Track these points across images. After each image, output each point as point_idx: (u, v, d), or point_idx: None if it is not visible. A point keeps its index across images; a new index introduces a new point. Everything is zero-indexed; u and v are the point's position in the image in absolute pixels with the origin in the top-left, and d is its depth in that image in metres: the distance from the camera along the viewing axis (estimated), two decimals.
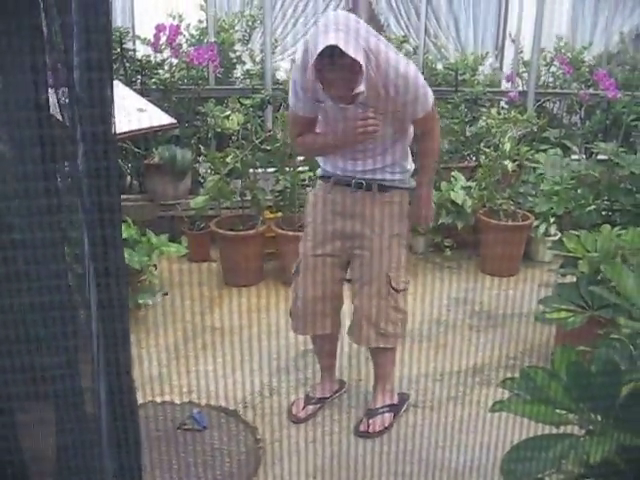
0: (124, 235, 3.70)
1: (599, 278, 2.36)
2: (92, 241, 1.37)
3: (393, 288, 2.73)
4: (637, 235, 2.52)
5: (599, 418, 1.16)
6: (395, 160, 2.70)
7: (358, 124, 2.44)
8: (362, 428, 2.88)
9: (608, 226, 2.73)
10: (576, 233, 2.76)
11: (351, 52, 2.22)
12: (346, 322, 2.92)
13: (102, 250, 1.38)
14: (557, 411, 1.19)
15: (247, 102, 4.46)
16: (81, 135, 1.30)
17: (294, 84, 2.57)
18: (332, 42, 2.21)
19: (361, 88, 2.32)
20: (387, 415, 2.92)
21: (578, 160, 4.19)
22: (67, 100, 1.32)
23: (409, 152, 2.79)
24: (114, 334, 1.44)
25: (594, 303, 2.23)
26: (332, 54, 2.21)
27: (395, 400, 2.99)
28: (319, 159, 2.88)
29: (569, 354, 1.24)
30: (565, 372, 1.21)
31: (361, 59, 2.25)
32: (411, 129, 2.72)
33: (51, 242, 1.36)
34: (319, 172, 2.89)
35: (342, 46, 2.20)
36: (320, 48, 2.22)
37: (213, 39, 5.26)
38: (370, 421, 2.88)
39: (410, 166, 2.80)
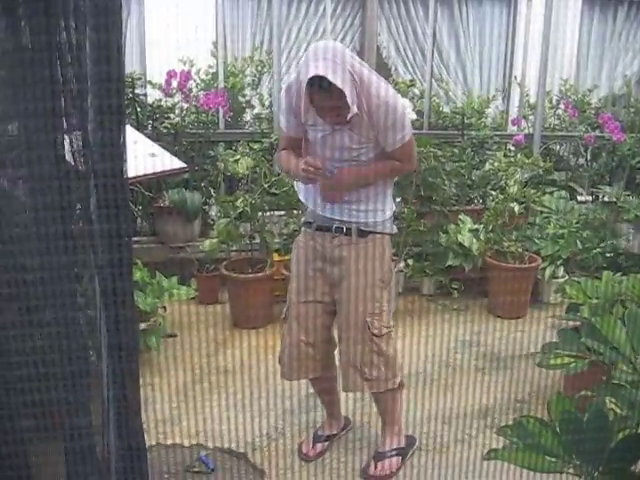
0: (134, 277, 3.74)
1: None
2: (104, 284, 1.42)
3: (373, 334, 2.70)
4: (638, 281, 2.54)
5: (589, 467, 1.17)
6: (375, 203, 2.71)
7: (306, 168, 2.53)
8: (371, 472, 2.88)
9: (610, 273, 2.75)
10: (578, 280, 2.77)
11: (338, 81, 2.32)
12: None
13: (113, 292, 1.42)
14: (549, 459, 1.21)
15: (256, 146, 4.53)
16: (94, 179, 1.35)
17: (280, 103, 2.72)
18: (320, 72, 2.31)
19: (354, 110, 2.39)
20: (395, 459, 2.92)
21: (584, 202, 4.22)
22: (80, 145, 1.36)
23: (390, 195, 2.78)
24: (123, 377, 1.47)
25: (595, 349, 2.24)
26: (320, 83, 2.32)
27: (403, 443, 2.98)
28: (307, 204, 2.87)
29: (564, 403, 1.26)
30: (558, 420, 1.23)
31: (347, 87, 2.34)
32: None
33: (64, 284, 1.40)
34: (303, 219, 2.95)
35: (329, 75, 2.31)
36: (308, 77, 2.33)
37: (223, 84, 5.37)
38: (379, 464, 2.88)
39: (390, 211, 2.78)
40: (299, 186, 2.90)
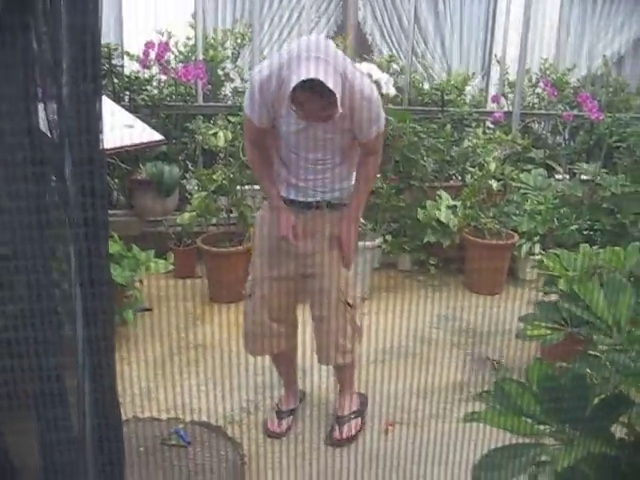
0: (110, 250, 3.70)
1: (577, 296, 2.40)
2: (79, 254, 1.39)
3: (348, 304, 2.77)
4: (614, 254, 2.57)
5: (568, 429, 1.19)
6: (342, 179, 2.73)
7: (288, 227, 2.66)
8: (337, 436, 2.95)
9: (587, 245, 2.78)
10: (556, 252, 2.80)
11: (330, 84, 2.23)
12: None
13: (88, 263, 1.39)
14: (528, 422, 1.22)
15: (234, 119, 4.48)
16: (69, 150, 1.32)
17: (252, 93, 2.51)
18: (312, 75, 2.20)
19: (339, 110, 2.34)
20: (354, 421, 3.02)
21: (561, 180, 4.24)
22: (56, 116, 1.33)
23: (354, 167, 2.80)
24: (99, 347, 1.45)
25: (572, 321, 2.26)
26: (311, 85, 2.22)
27: (359, 404, 3.10)
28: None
29: (543, 368, 1.27)
30: (537, 385, 1.24)
31: (338, 89, 2.27)
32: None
33: (38, 256, 1.37)
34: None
35: (322, 77, 2.21)
36: (300, 79, 2.21)
37: (202, 56, 5.30)
38: (343, 428, 2.97)
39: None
40: None
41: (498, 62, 6.38)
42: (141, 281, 3.88)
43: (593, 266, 2.51)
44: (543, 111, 6.42)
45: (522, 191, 4.10)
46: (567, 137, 6.35)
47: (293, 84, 2.23)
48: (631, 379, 1.16)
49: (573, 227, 3.33)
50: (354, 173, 2.79)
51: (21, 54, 1.25)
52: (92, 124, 1.34)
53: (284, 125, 2.56)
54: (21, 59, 1.26)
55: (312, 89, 2.24)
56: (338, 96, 2.27)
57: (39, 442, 1.41)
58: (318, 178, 2.68)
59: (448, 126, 5.28)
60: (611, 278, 1.61)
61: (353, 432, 2.99)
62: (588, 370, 1.28)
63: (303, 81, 2.21)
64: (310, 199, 2.72)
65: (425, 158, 4.81)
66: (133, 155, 4.85)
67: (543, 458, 1.16)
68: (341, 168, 2.70)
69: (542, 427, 1.20)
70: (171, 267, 3.98)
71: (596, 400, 1.19)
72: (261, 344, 2.86)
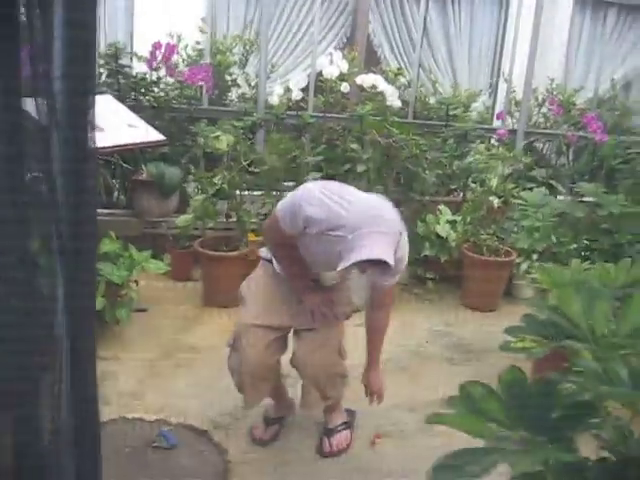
0: (106, 249, 3.70)
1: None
2: (63, 251, 1.38)
3: (340, 355, 2.81)
4: (604, 270, 2.57)
5: (531, 434, 1.18)
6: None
7: (319, 309, 2.66)
8: (326, 449, 2.93)
9: (578, 260, 2.77)
10: (548, 266, 2.80)
11: (391, 260, 2.16)
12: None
13: (73, 260, 1.38)
14: (492, 426, 1.21)
15: (238, 124, 4.49)
16: (58, 145, 1.31)
17: (294, 215, 2.39)
18: (382, 257, 2.13)
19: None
20: (344, 433, 3.01)
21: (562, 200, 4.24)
22: (46, 109, 1.32)
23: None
24: (79, 344, 1.44)
25: (558, 334, 2.23)
26: (373, 261, 2.16)
27: (346, 417, 3.08)
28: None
29: (515, 374, 1.26)
30: (506, 390, 1.23)
31: (392, 260, 2.19)
32: None
33: (21, 249, 1.36)
34: (264, 254, 2.84)
35: (386, 258, 2.14)
36: (368, 257, 2.14)
37: (209, 60, 5.32)
38: (332, 440, 2.96)
39: None
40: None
41: (505, 80, 6.39)
42: (137, 281, 3.88)
43: (582, 281, 2.50)
44: (548, 130, 6.42)
45: (520, 208, 4.09)
46: (571, 158, 6.34)
47: (357, 259, 2.15)
48: (604, 389, 1.16)
49: (571, 247, 3.33)
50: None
51: (9, 44, 1.25)
52: (82, 122, 1.32)
53: (316, 237, 2.45)
54: (8, 49, 1.25)
55: (371, 261, 2.17)
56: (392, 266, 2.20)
57: (11, 442, 1.39)
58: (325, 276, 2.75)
59: (451, 140, 5.28)
60: (587, 286, 1.61)
61: (344, 445, 2.97)
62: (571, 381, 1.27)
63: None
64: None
65: (427, 171, 4.80)
66: (135, 155, 4.86)
67: (503, 463, 1.15)
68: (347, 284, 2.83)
69: (506, 432, 1.20)
70: (166, 268, 3.97)
71: (563, 404, 1.19)
72: (261, 391, 2.80)
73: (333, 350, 2.76)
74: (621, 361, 1.22)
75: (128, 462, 2.74)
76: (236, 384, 2.80)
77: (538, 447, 1.11)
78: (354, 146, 4.77)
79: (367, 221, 2.22)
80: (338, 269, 2.21)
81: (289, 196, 2.47)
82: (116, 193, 5.16)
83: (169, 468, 2.74)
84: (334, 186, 2.45)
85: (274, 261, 2.78)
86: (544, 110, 6.60)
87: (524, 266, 4.42)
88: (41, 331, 1.41)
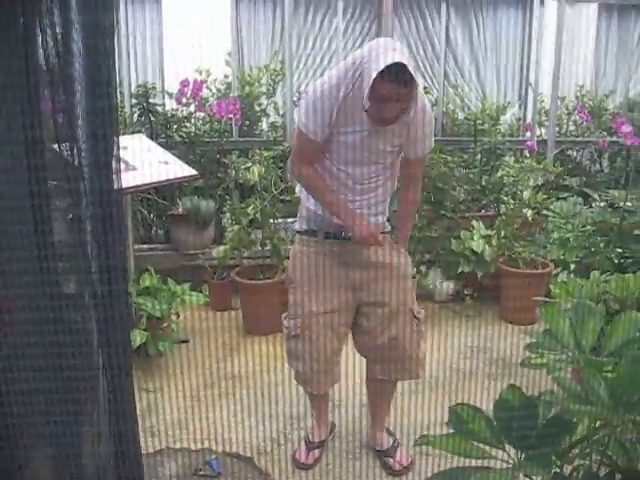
0: (146, 283, 3.81)
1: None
2: (97, 285, 1.45)
3: (418, 318, 2.77)
4: (622, 281, 2.55)
5: (515, 452, 1.20)
6: (383, 200, 2.72)
7: (368, 237, 2.56)
8: (397, 467, 2.94)
9: (596, 272, 2.76)
10: (570, 278, 2.79)
11: (413, 71, 2.22)
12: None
13: (108, 294, 1.45)
14: (479, 446, 1.24)
15: (267, 154, 4.57)
16: (85, 195, 1.39)
17: (313, 103, 2.46)
18: (398, 60, 2.17)
19: (416, 103, 2.34)
20: (400, 450, 3.01)
21: (593, 207, 4.20)
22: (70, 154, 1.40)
23: (388, 198, 2.80)
24: (116, 378, 1.51)
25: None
26: (396, 72, 2.19)
27: (392, 437, 3.08)
28: (314, 210, 2.74)
29: (508, 394, 1.29)
30: (496, 409, 1.26)
31: (418, 79, 2.26)
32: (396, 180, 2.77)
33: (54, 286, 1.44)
34: (297, 227, 2.85)
35: (406, 62, 2.19)
36: (387, 63, 2.18)
37: (237, 92, 5.43)
38: (397, 458, 2.95)
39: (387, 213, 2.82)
40: (304, 194, 2.78)
41: (532, 90, 6.38)
42: (178, 314, 3.97)
43: (599, 293, 2.49)
44: (580, 138, 6.38)
45: (550, 219, 4.08)
46: (606, 164, 6.29)
47: (377, 71, 2.19)
48: (581, 409, 1.17)
49: (602, 255, 3.30)
50: (387, 202, 2.77)
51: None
52: (106, 163, 1.40)
53: (341, 135, 2.49)
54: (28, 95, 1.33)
55: (396, 76, 2.20)
56: (419, 84, 2.26)
57: (55, 473, 1.46)
58: (364, 199, 2.62)
59: (479, 155, 5.29)
60: (578, 303, 1.62)
61: (409, 459, 2.96)
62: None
63: (388, 67, 2.18)
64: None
65: (456, 188, 4.82)
66: (170, 190, 4.98)
67: None
68: (384, 188, 2.68)
69: (494, 451, 1.23)
70: (205, 299, 4.06)
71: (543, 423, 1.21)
72: (325, 380, 2.85)
73: (406, 324, 2.71)
74: (601, 379, 1.24)
75: None
76: (300, 373, 2.84)
77: (518, 463, 1.14)
78: None
79: (378, 47, 2.29)
80: (364, 102, 2.26)
81: (301, 104, 2.57)
82: (154, 228, 5.28)
83: None
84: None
85: (303, 224, 2.77)
86: (575, 118, 6.56)
87: (561, 277, 4.39)
88: (80, 369, 1.49)
